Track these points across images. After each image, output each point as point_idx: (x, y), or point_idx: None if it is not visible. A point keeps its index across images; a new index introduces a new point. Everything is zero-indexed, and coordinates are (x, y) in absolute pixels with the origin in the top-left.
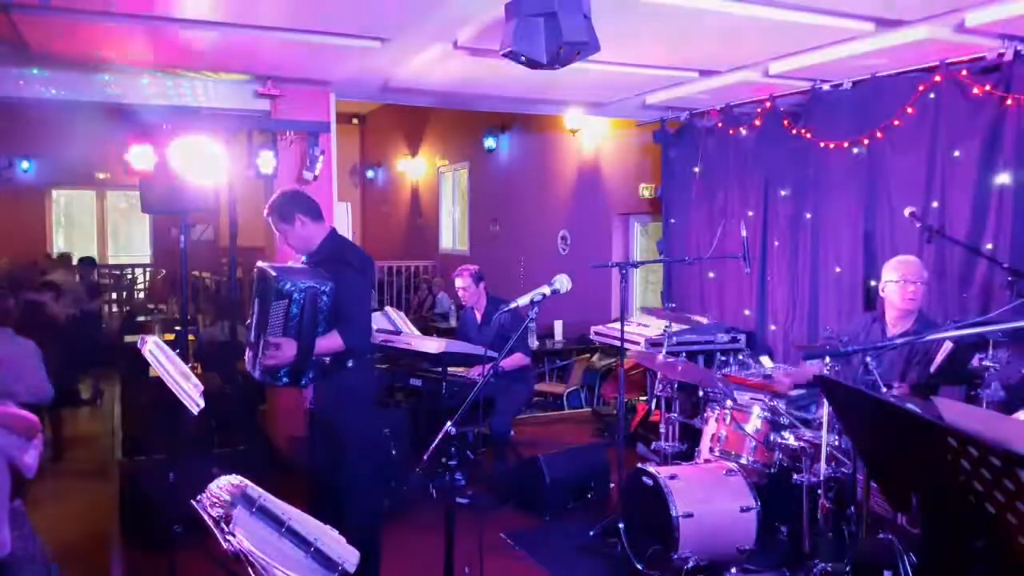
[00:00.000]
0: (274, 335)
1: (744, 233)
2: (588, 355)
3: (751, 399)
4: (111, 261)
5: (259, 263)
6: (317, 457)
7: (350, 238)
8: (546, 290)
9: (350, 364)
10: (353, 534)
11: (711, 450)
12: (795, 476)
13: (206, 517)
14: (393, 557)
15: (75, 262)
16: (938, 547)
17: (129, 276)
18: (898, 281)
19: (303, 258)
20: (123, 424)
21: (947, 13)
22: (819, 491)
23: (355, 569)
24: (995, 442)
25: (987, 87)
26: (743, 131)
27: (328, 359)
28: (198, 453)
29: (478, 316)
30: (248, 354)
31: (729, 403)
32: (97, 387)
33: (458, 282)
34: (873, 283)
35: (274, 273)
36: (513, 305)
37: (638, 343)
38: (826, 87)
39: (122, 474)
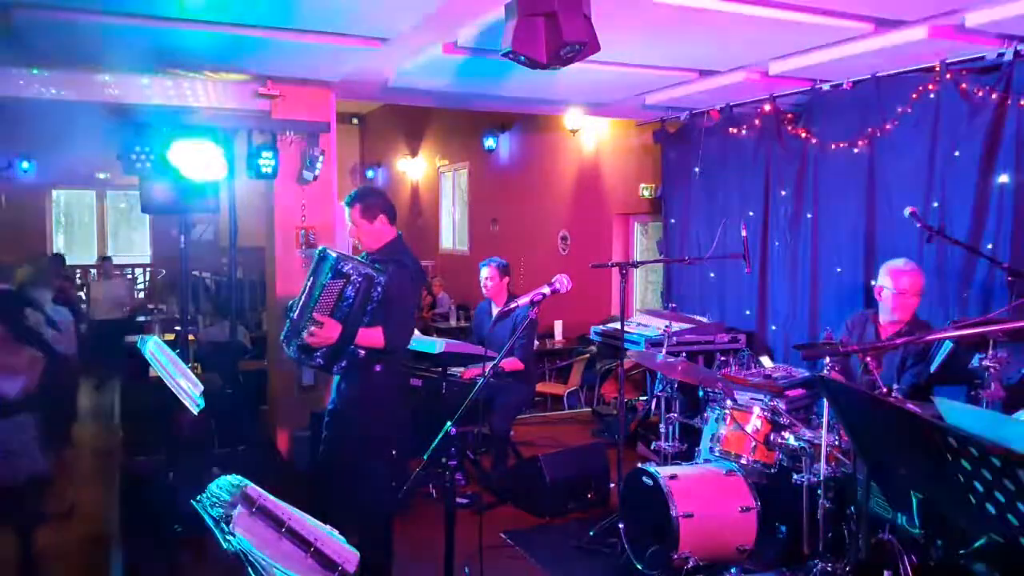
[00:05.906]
0: (320, 314)
1: (744, 233)
2: (588, 355)
3: (751, 399)
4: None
5: (322, 246)
6: (331, 457)
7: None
8: (546, 290)
9: (378, 368)
10: (365, 536)
11: (711, 450)
12: (795, 476)
13: (206, 517)
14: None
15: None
16: (938, 547)
17: (129, 276)
18: (896, 291)
19: (363, 253)
20: (123, 424)
21: (947, 13)
22: (819, 491)
23: (356, 570)
24: (995, 442)
25: (987, 87)
26: (743, 131)
27: (363, 353)
28: (198, 453)
29: (494, 310)
30: (285, 329)
31: (729, 403)
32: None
33: (484, 271)
34: (873, 283)
35: (335, 254)
36: (513, 305)
37: (638, 343)
38: (826, 87)
39: (122, 474)
